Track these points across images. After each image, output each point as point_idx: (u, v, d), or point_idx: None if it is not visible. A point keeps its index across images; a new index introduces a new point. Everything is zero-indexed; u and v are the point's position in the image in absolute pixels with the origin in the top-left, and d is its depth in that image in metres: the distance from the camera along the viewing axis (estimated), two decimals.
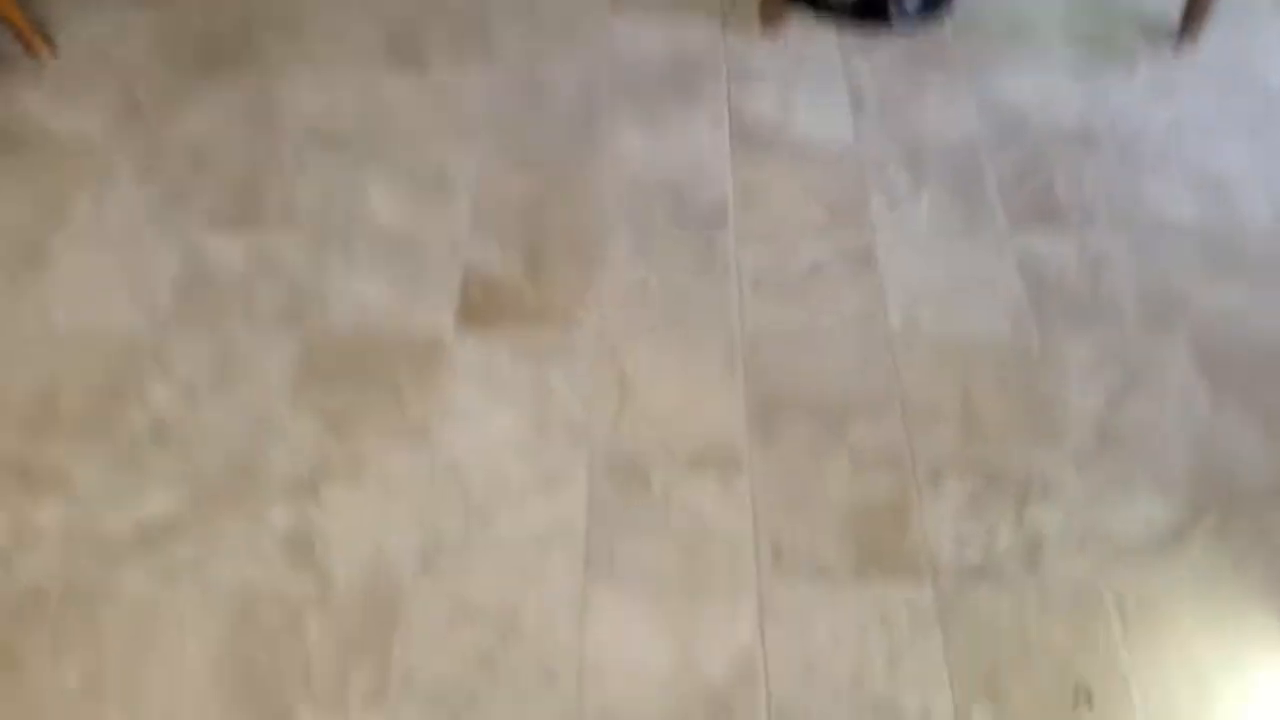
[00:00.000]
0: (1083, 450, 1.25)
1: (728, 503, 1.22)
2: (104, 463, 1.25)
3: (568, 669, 1.09)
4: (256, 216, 1.51)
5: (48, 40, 1.74)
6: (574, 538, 1.19)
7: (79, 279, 1.43)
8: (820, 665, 1.10)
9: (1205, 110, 1.64)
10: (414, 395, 1.31)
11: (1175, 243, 1.46)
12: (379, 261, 1.45)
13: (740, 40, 1.77)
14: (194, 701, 1.08)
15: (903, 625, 1.12)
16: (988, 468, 1.24)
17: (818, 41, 1.76)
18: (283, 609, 1.14)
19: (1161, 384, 1.31)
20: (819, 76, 1.70)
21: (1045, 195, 1.52)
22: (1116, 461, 1.24)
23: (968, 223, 1.49)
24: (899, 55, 1.73)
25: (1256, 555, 1.17)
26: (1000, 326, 1.37)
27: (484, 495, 1.23)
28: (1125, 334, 1.36)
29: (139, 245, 1.46)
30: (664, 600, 1.14)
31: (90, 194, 1.53)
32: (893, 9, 1.74)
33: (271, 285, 1.42)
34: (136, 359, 1.34)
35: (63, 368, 1.33)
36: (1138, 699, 1.07)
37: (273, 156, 1.59)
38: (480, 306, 1.41)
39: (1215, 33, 1.75)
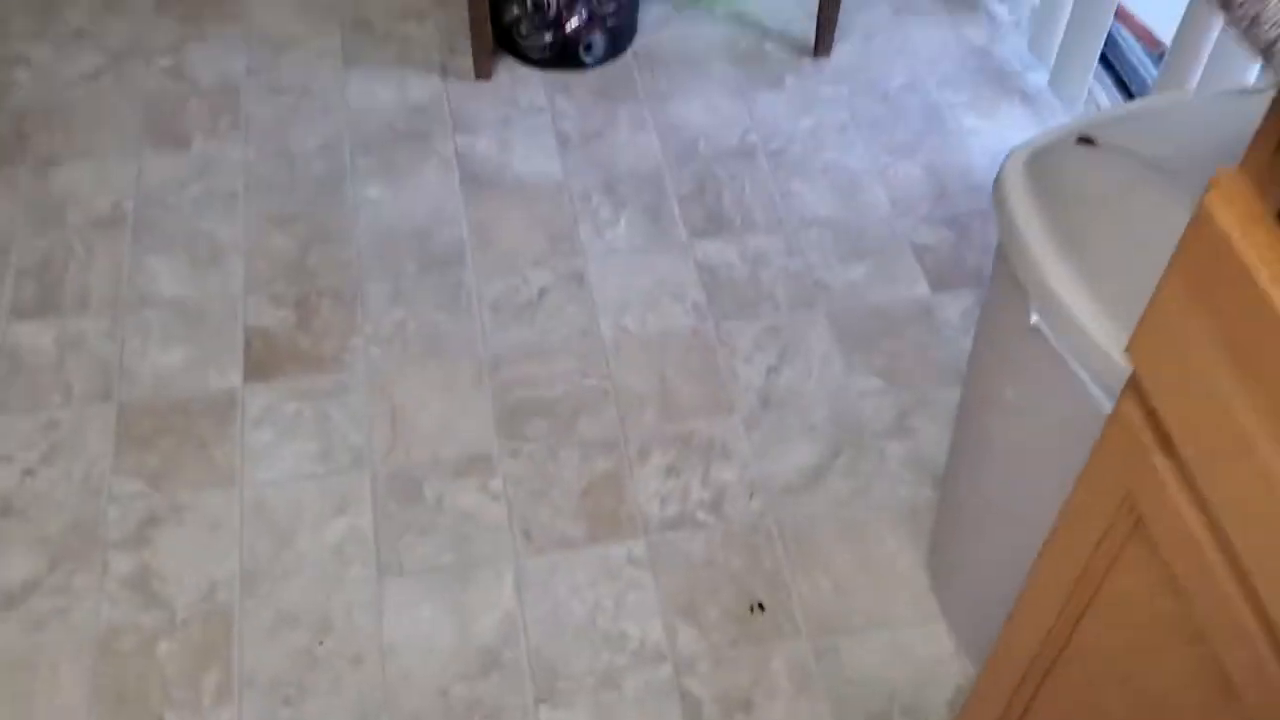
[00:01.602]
0: (751, 415, 1.64)
1: (488, 499, 1.56)
2: None
3: (372, 652, 1.42)
4: (57, 304, 1.73)
5: None
6: (366, 546, 1.51)
7: None
8: (565, 615, 1.46)
9: (839, 114, 2.04)
10: (218, 446, 1.59)
11: (817, 235, 1.86)
12: (171, 332, 1.71)
13: (460, 87, 2.07)
14: None
15: (624, 573, 1.49)
16: (681, 439, 1.61)
17: (527, 84, 2.08)
18: (138, 637, 1.42)
19: (807, 353, 1.71)
20: (530, 117, 2.02)
21: (715, 206, 1.90)
22: (775, 421, 1.63)
23: (657, 239, 1.85)
24: (594, 91, 2.07)
25: (880, 479, 1.59)
26: (686, 322, 1.74)
27: (287, 521, 1.53)
28: (779, 317, 1.75)
29: None
30: (443, 585, 1.48)
31: None
32: (582, 53, 2.07)
33: (81, 365, 1.66)
34: None
35: None
36: (796, 602, 1.47)
37: (60, 246, 1.81)
38: (263, 360, 1.69)
39: (846, 44, 2.15)
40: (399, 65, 2.11)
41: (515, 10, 2.05)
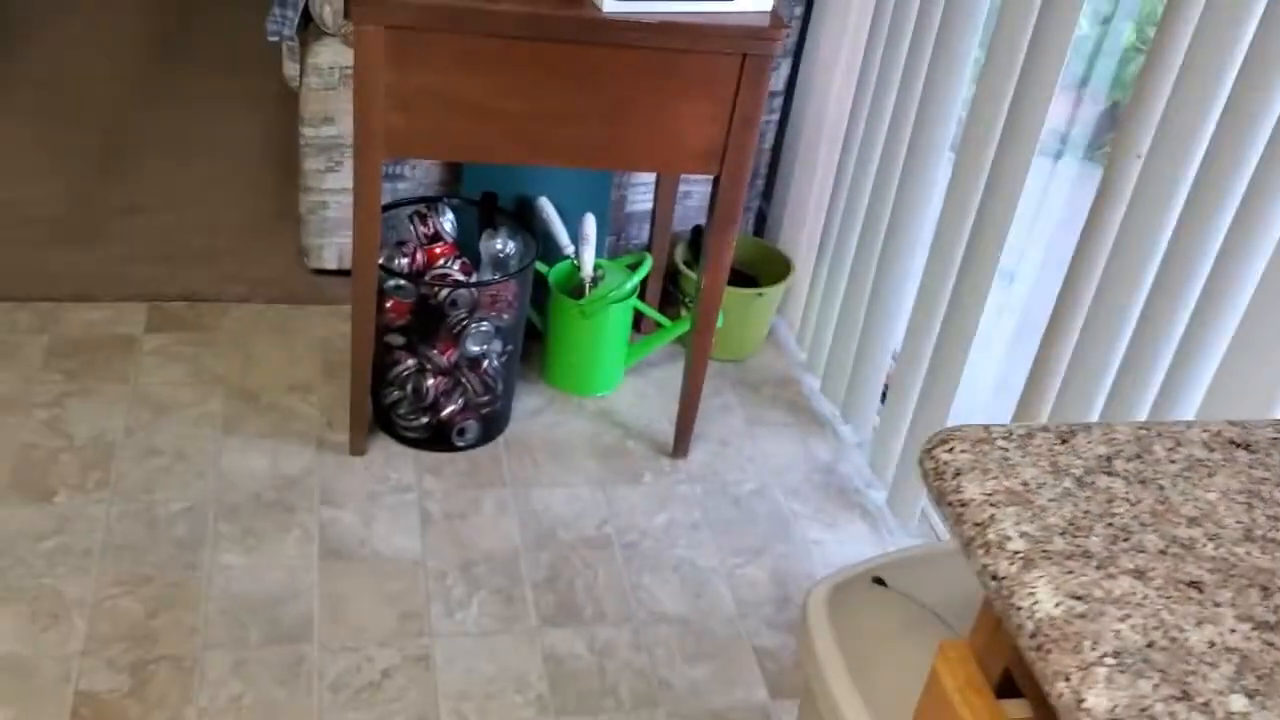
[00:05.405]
0: None
1: None
2: None
3: None
4: None
5: None
6: None
7: None
8: None
9: (691, 513, 2.16)
10: None
11: (664, 632, 1.92)
12: None
13: (333, 460, 2.15)
14: None
15: None
16: None
17: (399, 463, 2.17)
18: None
19: None
20: (397, 494, 2.10)
21: (568, 594, 1.96)
22: None
23: (507, 622, 1.89)
24: (463, 473, 2.17)
25: None
26: (526, 714, 1.75)
27: None
28: (621, 714, 1.77)
29: None
30: None
31: None
32: (455, 437, 2.18)
33: None
34: None
35: None
36: None
37: None
38: None
39: (702, 448, 2.31)
40: (276, 436, 2.19)
41: (396, 393, 2.18)
